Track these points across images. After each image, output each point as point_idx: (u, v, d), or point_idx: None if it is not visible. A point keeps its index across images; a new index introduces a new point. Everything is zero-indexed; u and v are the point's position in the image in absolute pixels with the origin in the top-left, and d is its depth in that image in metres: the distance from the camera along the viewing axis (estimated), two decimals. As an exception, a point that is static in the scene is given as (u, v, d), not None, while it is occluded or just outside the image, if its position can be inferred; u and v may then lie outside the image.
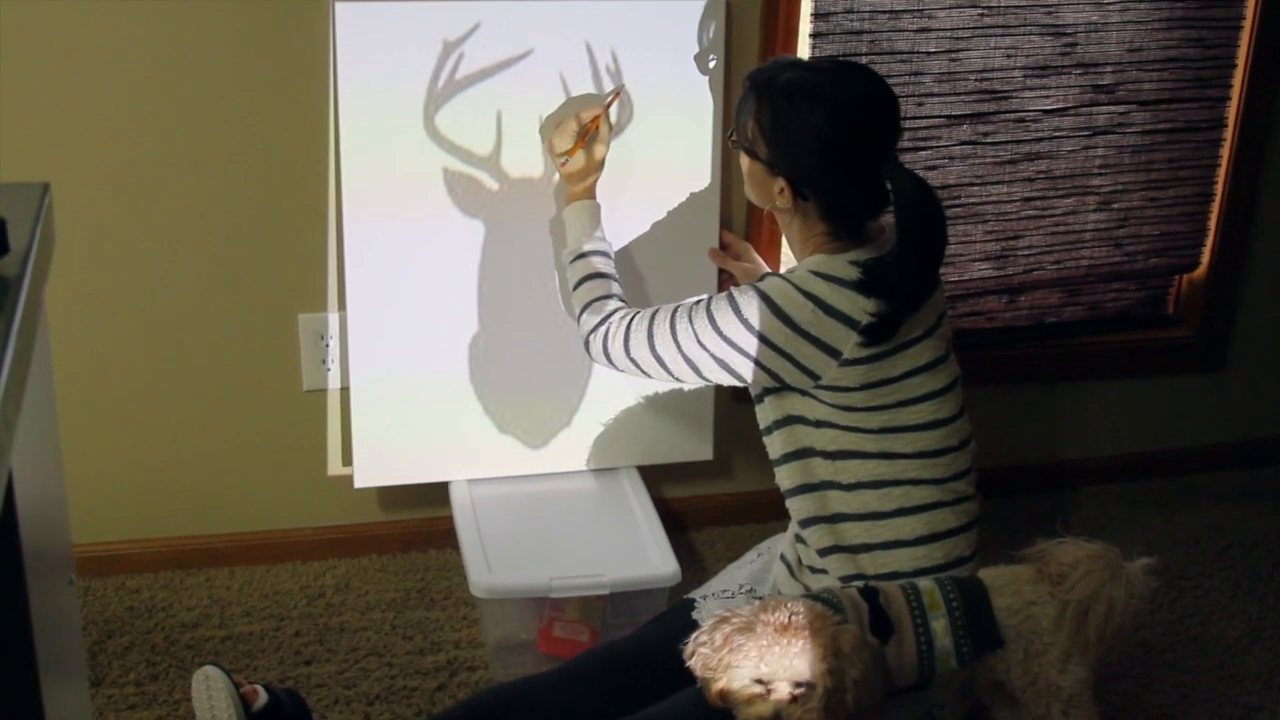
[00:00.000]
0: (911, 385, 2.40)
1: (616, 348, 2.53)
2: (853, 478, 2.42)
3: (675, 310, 2.48)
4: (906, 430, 2.41)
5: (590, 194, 2.74)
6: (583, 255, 2.68)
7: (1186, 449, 3.65)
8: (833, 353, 2.36)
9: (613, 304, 2.60)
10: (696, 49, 2.85)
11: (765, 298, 2.39)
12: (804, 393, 2.42)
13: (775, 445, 2.51)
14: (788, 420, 2.47)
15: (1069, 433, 3.55)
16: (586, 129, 2.71)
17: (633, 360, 2.52)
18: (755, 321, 2.39)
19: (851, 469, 2.42)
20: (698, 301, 2.48)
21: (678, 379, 2.52)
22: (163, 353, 2.89)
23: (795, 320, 2.36)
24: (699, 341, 2.44)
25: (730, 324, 2.41)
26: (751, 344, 2.39)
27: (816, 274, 2.38)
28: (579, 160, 2.71)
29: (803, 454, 2.46)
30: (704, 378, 2.49)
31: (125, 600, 2.92)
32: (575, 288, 2.66)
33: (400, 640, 2.85)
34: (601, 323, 2.56)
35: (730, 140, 2.55)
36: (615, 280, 2.66)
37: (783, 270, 2.51)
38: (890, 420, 2.40)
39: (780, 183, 2.41)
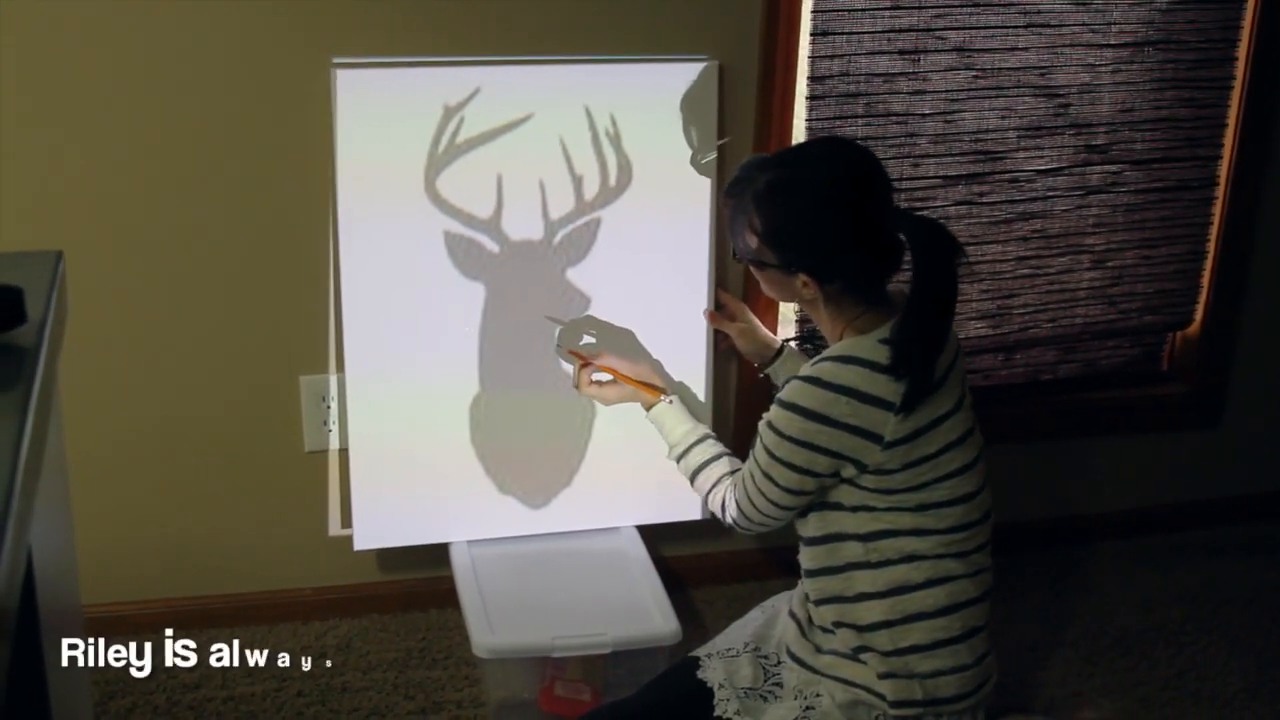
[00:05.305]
0: (945, 461, 2.39)
1: (745, 521, 2.55)
2: (883, 556, 2.41)
3: (746, 470, 2.50)
4: (940, 506, 2.40)
5: (656, 393, 2.76)
6: (685, 452, 2.70)
7: (1182, 504, 3.67)
8: (874, 438, 2.34)
9: (721, 488, 2.61)
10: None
11: (795, 407, 2.38)
12: (844, 480, 2.43)
13: (809, 526, 2.49)
14: (823, 506, 2.45)
15: (1065, 490, 3.57)
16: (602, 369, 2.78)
17: (767, 517, 2.52)
18: (795, 434, 2.38)
19: (884, 548, 2.41)
20: (754, 451, 2.48)
21: (797, 507, 2.50)
22: (166, 414, 2.91)
23: (832, 417, 2.35)
24: (781, 487, 2.43)
25: (782, 447, 2.39)
26: (804, 456, 2.38)
27: (847, 360, 2.36)
28: (626, 388, 2.77)
29: (835, 538, 2.45)
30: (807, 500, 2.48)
31: (127, 661, 2.93)
32: (692, 482, 2.69)
33: (402, 700, 2.85)
34: (722, 508, 2.60)
35: (735, 259, 2.55)
36: (716, 460, 2.67)
37: (810, 364, 2.46)
38: (926, 498, 2.39)
39: (801, 277, 2.40)
